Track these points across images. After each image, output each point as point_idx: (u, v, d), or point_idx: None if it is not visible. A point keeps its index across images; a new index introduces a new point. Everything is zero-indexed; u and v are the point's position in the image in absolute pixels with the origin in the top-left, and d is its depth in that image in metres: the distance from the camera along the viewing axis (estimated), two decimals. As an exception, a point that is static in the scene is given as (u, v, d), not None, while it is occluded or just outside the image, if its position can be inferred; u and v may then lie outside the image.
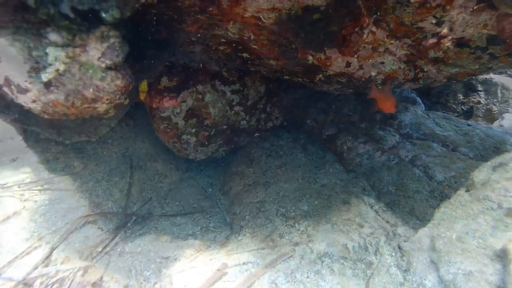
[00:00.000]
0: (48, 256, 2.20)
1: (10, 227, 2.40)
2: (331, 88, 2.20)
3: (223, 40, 2.29)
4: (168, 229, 2.33)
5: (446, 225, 1.27)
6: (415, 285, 1.62)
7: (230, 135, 2.83)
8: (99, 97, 1.09)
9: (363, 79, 2.01)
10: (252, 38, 1.90)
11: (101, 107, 1.10)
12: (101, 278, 2.04)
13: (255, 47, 1.81)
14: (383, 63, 1.78)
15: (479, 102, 3.04)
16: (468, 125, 2.62)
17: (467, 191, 0.99)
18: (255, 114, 2.84)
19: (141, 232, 2.35)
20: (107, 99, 1.10)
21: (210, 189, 2.62)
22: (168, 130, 2.52)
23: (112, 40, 1.05)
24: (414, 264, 1.52)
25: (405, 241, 1.92)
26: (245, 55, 2.45)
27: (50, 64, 1.06)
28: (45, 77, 1.07)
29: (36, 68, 1.07)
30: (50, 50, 1.03)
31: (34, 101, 1.08)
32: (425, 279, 1.58)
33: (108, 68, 1.09)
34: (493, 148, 2.31)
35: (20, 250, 2.28)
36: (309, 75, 2.15)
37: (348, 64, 1.80)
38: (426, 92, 3.26)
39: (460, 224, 1.08)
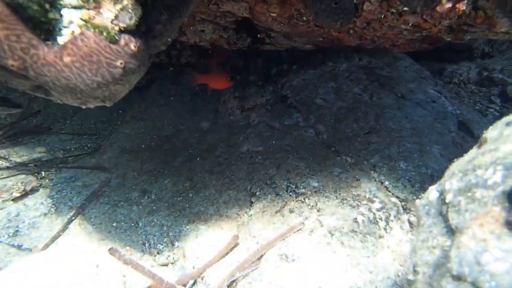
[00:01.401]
0: (64, 229, 2.27)
1: (29, 202, 2.48)
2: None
3: (233, 18, 2.30)
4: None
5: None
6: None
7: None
8: (113, 60, 1.11)
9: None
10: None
11: (115, 71, 1.12)
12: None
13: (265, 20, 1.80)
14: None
15: (492, 81, 2.98)
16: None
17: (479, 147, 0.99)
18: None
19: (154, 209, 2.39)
20: (120, 63, 1.12)
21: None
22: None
23: (125, 2, 1.06)
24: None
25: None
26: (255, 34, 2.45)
27: (66, 27, 1.08)
28: (61, 40, 1.10)
29: (52, 32, 1.10)
30: (65, 12, 1.05)
31: (51, 66, 1.11)
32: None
33: (122, 31, 1.10)
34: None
35: (40, 224, 2.36)
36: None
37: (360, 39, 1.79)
38: (439, 72, 3.21)
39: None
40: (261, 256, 1.90)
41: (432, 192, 0.97)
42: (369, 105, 2.69)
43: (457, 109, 2.70)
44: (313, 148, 2.53)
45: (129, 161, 2.82)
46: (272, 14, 1.72)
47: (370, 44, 1.88)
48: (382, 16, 1.42)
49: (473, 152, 1.00)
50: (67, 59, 1.08)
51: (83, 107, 1.27)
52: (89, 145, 3.22)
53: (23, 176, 2.66)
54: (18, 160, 2.88)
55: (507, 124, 0.96)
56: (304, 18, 1.65)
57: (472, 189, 0.81)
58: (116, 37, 1.10)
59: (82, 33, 1.08)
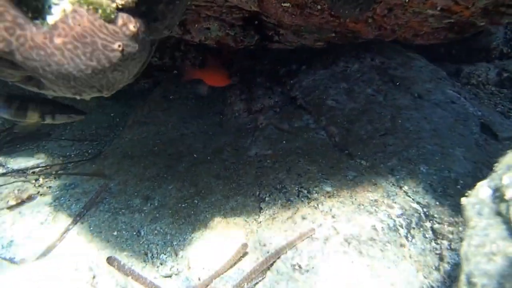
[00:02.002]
0: (61, 239, 2.13)
1: (25, 211, 2.35)
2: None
3: (239, 14, 2.19)
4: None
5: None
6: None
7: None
8: (109, 42, 0.98)
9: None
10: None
11: (112, 54, 0.99)
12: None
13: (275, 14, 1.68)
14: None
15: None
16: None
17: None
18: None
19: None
20: (118, 46, 0.99)
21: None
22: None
23: (123, -24, 0.94)
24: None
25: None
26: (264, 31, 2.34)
27: (56, 4, 0.96)
28: (51, 19, 0.97)
29: (41, 9, 0.97)
30: (55, -14, 0.93)
31: (40, 48, 0.98)
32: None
33: (119, 9, 0.98)
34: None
35: (36, 233, 2.22)
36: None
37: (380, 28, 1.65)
38: (456, 73, 3.07)
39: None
40: (271, 265, 1.74)
41: (483, 189, 0.82)
42: (383, 106, 2.54)
43: (478, 110, 2.55)
44: (325, 151, 2.39)
45: (131, 166, 2.68)
46: (283, 5, 1.59)
47: (389, 36, 1.75)
48: (407, 0, 1.29)
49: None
50: (58, 40, 0.96)
51: (78, 97, 1.14)
52: (90, 151, 3.10)
53: (19, 183, 2.53)
54: (15, 167, 2.76)
55: None
56: (319, 7, 1.53)
57: (540, 181, 0.66)
58: (113, 16, 0.98)
59: (74, 11, 0.95)
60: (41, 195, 2.54)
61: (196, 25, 2.32)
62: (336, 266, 1.69)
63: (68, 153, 3.10)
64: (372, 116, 2.49)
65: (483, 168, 2.14)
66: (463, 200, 0.84)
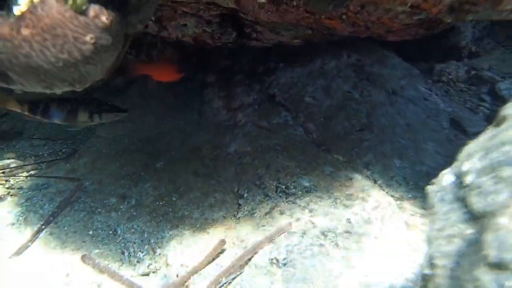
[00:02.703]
0: (33, 239, 2.07)
1: (-6, 211, 2.27)
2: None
3: (217, 11, 2.18)
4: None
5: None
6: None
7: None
8: (81, 34, 0.97)
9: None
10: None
11: (84, 47, 0.98)
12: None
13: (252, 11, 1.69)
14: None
15: (481, 79, 2.95)
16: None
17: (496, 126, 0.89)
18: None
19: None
20: (90, 38, 0.98)
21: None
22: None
23: (93, -34, 0.92)
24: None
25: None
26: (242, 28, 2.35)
27: (23, -6, 0.94)
28: (17, 10, 0.95)
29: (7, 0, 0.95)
30: (22, -25, 0.91)
31: (7, 40, 0.96)
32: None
33: (91, 0, 0.96)
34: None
35: (5, 235, 2.15)
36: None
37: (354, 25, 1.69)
38: (429, 71, 3.17)
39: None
40: (249, 260, 1.75)
41: (446, 177, 0.86)
42: (360, 103, 2.60)
43: (448, 106, 2.65)
44: (303, 147, 2.42)
45: (106, 165, 2.63)
46: (259, 1, 1.61)
47: (363, 32, 1.79)
48: (378, -3, 1.33)
49: (489, 131, 0.90)
50: (25, 32, 0.94)
51: (48, 91, 1.11)
52: (63, 150, 3.02)
53: (-12, 183, 2.44)
54: (-15, 166, 2.66)
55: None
56: (294, 3, 1.55)
57: (498, 168, 0.70)
58: (84, 7, 0.96)
59: (42, 2, 0.93)
60: (11, 195, 2.46)
61: (173, 22, 2.31)
62: (312, 259, 1.72)
63: (40, 153, 3.01)
64: (348, 113, 2.54)
65: (453, 161, 2.23)
66: (428, 188, 0.88)
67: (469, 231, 0.71)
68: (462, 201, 0.77)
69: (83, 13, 0.97)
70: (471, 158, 0.78)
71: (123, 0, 1.07)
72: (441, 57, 3.38)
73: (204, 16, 2.25)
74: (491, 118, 2.74)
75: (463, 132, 2.55)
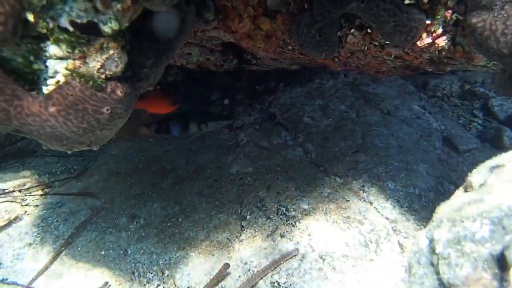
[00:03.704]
0: (52, 262, 2.21)
1: (12, 232, 2.42)
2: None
3: (219, 41, 2.30)
4: (170, 230, 2.34)
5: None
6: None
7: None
8: (99, 107, 1.10)
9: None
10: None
11: (101, 116, 1.11)
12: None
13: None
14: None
15: (475, 94, 3.05)
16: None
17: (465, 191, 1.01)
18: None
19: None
20: (107, 109, 1.11)
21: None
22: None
23: (111, 52, 1.05)
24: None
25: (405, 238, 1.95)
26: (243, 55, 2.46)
27: (51, 77, 1.07)
28: (46, 89, 1.08)
29: (37, 81, 1.08)
30: (50, 63, 1.03)
31: (36, 115, 1.09)
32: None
33: (108, 78, 1.09)
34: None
35: (24, 255, 2.29)
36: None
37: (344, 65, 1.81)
38: (423, 86, 3.27)
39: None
40: (254, 285, 1.89)
41: (422, 239, 0.98)
42: (355, 123, 2.72)
43: (441, 124, 2.76)
44: (302, 167, 2.54)
45: (117, 184, 2.77)
46: (259, 47, 1.72)
47: (355, 70, 1.91)
48: (366, 48, 1.44)
49: (459, 196, 1.02)
50: (52, 109, 1.06)
51: (69, 152, 1.25)
52: (75, 167, 3.15)
53: (7, 204, 2.59)
54: (1, 186, 2.80)
55: (491, 169, 0.98)
56: (290, 48, 1.66)
57: (461, 241, 0.83)
58: (103, 85, 1.09)
59: (67, 82, 1.06)
60: (28, 215, 2.61)
61: (178, 51, 2.42)
62: (312, 283, 1.85)
63: (53, 170, 3.15)
64: (345, 133, 2.66)
65: (444, 182, 2.35)
66: (409, 247, 1.00)
67: (440, 298, 0.83)
68: (434, 266, 0.89)
69: (102, 89, 1.09)
70: (441, 227, 0.90)
71: (136, 71, 1.19)
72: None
73: (207, 45, 2.37)
74: (483, 135, 2.85)
75: (455, 150, 2.66)
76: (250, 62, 2.57)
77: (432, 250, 0.92)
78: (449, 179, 2.36)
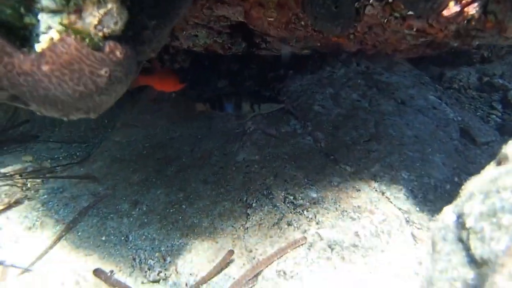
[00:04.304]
0: (52, 246, 2.15)
1: (12, 216, 2.36)
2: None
3: (227, 23, 2.21)
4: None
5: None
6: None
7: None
8: (96, 68, 1.01)
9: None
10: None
11: (99, 79, 1.02)
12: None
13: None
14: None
15: (493, 86, 2.93)
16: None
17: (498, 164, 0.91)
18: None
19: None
20: (105, 72, 1.02)
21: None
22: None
23: (109, 6, 0.97)
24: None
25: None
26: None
27: (44, 33, 0.99)
28: (38, 46, 1.00)
29: (29, 38, 1.00)
30: (42, 16, 0.95)
31: (28, 75, 1.01)
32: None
33: (106, 37, 1.01)
34: None
35: (22, 239, 2.23)
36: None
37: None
38: (439, 78, 3.15)
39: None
40: (259, 273, 1.80)
41: (449, 215, 0.88)
42: (368, 112, 2.61)
43: (458, 115, 2.63)
44: (311, 156, 2.44)
45: (119, 170, 2.70)
46: (268, 19, 1.63)
47: (370, 50, 1.80)
48: (385, 21, 1.34)
49: (491, 169, 0.91)
50: (45, 67, 0.98)
51: (65, 119, 1.17)
52: (78, 153, 3.10)
53: (7, 187, 2.53)
54: (3, 170, 2.75)
55: (530, 139, 0.88)
56: (302, 23, 1.57)
57: (498, 214, 0.73)
58: (100, 44, 1.01)
59: (62, 40, 0.98)
60: (28, 199, 2.55)
61: (184, 32, 2.34)
62: (319, 272, 1.76)
63: (56, 156, 3.10)
64: (357, 122, 2.56)
65: (461, 173, 2.23)
66: (432, 224, 0.90)
67: (470, 275, 0.73)
68: (463, 242, 0.79)
69: (99, 49, 1.01)
70: (472, 200, 0.80)
71: (137, 32, 1.11)
72: (452, 61, 3.35)
73: (214, 27, 2.28)
74: (502, 128, 2.72)
75: (472, 142, 2.54)
76: (259, 46, 2.48)
77: (461, 226, 0.82)
78: (466, 171, 2.24)
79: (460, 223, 0.83)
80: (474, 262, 0.74)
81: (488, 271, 0.67)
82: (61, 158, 3.03)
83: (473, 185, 0.90)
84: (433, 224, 0.90)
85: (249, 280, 1.78)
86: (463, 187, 0.98)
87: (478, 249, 0.73)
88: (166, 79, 2.38)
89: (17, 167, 2.79)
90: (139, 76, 2.44)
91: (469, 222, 0.79)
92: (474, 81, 3.04)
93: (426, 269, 0.85)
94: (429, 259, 0.86)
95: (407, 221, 2.00)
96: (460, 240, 0.81)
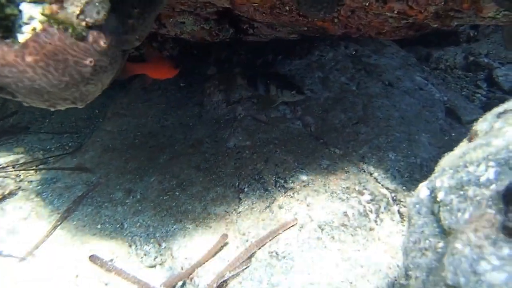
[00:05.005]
0: (49, 235, 2.18)
1: (6, 207, 2.38)
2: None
3: (214, 9, 2.21)
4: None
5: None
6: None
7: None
8: (81, 58, 1.03)
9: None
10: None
11: (84, 69, 1.04)
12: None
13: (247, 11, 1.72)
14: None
15: (479, 65, 2.96)
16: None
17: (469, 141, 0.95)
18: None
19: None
20: (90, 61, 1.04)
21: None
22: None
23: (90, -5, 0.98)
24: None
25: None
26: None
27: (26, 23, 1.00)
28: (21, 37, 1.01)
29: (11, 29, 1.01)
30: (24, 6, 0.96)
31: (12, 66, 1.02)
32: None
33: (89, 27, 1.02)
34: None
35: (19, 229, 2.26)
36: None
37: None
38: (426, 58, 3.18)
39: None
40: (252, 255, 1.85)
41: (423, 190, 0.93)
42: (356, 95, 2.64)
43: (444, 95, 2.68)
44: (301, 140, 2.48)
45: (112, 160, 2.73)
46: (253, 4, 1.64)
47: (355, 33, 1.82)
48: (367, 4, 1.36)
49: (463, 146, 0.96)
50: (29, 58, 1.00)
51: (52, 109, 1.19)
52: (70, 144, 3.11)
53: (0, 179, 2.55)
54: (-5, 162, 2.76)
55: (498, 115, 0.92)
56: (287, 8, 1.58)
57: (464, 186, 0.77)
58: (84, 34, 1.02)
59: (44, 30, 0.99)
60: (22, 190, 2.57)
61: (171, 20, 2.33)
62: (310, 251, 1.82)
63: (48, 147, 3.10)
64: (345, 105, 2.59)
65: (446, 152, 2.29)
66: (408, 200, 0.95)
67: (440, 244, 0.78)
68: (435, 215, 0.84)
69: (83, 38, 1.02)
70: (443, 175, 0.85)
71: (121, 21, 1.12)
72: (439, 41, 3.38)
73: (201, 13, 2.28)
74: (487, 106, 2.78)
75: (458, 121, 2.60)
76: (247, 32, 2.48)
77: (434, 199, 0.87)
78: (451, 149, 2.29)
79: (433, 197, 0.88)
80: (443, 232, 0.78)
81: (449, 243, 0.72)
82: (53, 149, 3.04)
83: (445, 161, 0.95)
84: (409, 200, 0.95)
85: (243, 262, 1.83)
86: (438, 164, 1.02)
87: (446, 220, 0.77)
88: (161, 67, 2.38)
89: (9, 158, 2.81)
90: (134, 65, 2.46)
91: (439, 196, 0.83)
92: (460, 61, 3.08)
93: (402, 242, 0.90)
94: (405, 233, 0.91)
95: (394, 200, 2.06)
96: (433, 213, 0.86)
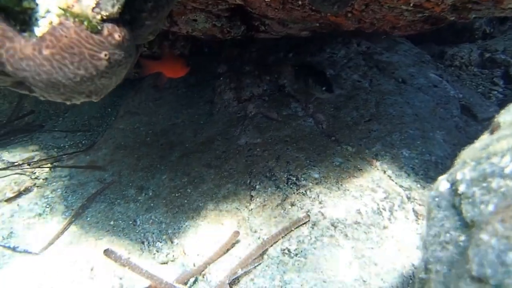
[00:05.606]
0: (63, 231, 2.21)
1: (22, 203, 2.42)
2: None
3: (225, 6, 2.21)
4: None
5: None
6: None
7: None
8: (96, 51, 1.03)
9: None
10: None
11: (99, 63, 1.05)
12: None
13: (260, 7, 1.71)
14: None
15: (495, 62, 2.90)
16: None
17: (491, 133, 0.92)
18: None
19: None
20: (105, 55, 1.04)
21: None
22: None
23: (106, -12, 0.98)
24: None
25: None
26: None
27: (43, 17, 1.01)
28: (38, 31, 1.02)
29: (28, 22, 1.02)
30: (41, 0, 0.97)
31: (30, 59, 1.03)
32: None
33: (104, 20, 1.02)
34: None
35: (35, 225, 2.29)
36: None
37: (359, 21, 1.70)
38: (440, 56, 3.12)
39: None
40: (264, 252, 1.84)
41: (443, 183, 0.90)
42: (369, 92, 2.61)
43: (459, 92, 2.63)
44: (313, 138, 2.46)
45: (124, 157, 2.75)
46: (265, 0, 1.63)
47: (369, 28, 1.80)
48: (382, -3, 1.34)
49: (485, 138, 0.93)
50: (46, 51, 1.01)
51: (68, 103, 1.19)
52: (83, 142, 3.15)
53: (16, 176, 2.59)
54: (11, 159, 2.81)
55: (523, 106, 0.90)
56: (300, 2, 1.57)
57: (487, 178, 0.75)
58: (99, 27, 1.02)
59: (61, 23, 1.00)
60: (37, 187, 2.61)
61: (183, 17, 2.34)
62: (323, 249, 1.80)
63: (62, 144, 3.15)
64: (358, 103, 2.56)
65: (462, 149, 2.24)
66: (426, 193, 0.93)
67: (462, 238, 0.76)
68: (456, 208, 0.82)
69: (98, 32, 1.03)
70: (464, 167, 0.83)
71: (134, 16, 1.12)
72: (453, 39, 3.32)
73: (213, 11, 2.28)
74: (504, 103, 2.72)
75: (473, 118, 2.54)
76: (258, 29, 2.48)
77: (454, 192, 0.84)
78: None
79: (454, 190, 0.86)
80: (465, 225, 0.76)
81: (474, 235, 0.70)
82: (66, 146, 3.08)
83: (465, 154, 0.92)
84: (428, 193, 0.93)
85: (255, 259, 1.82)
86: (457, 156, 1.00)
87: (469, 213, 0.75)
88: (174, 65, 2.39)
89: (25, 156, 2.85)
90: (151, 64, 2.49)
91: (461, 188, 0.81)
92: (476, 58, 3.02)
93: (421, 237, 0.87)
94: (425, 227, 0.89)
95: (409, 198, 2.02)
96: (453, 206, 0.83)
